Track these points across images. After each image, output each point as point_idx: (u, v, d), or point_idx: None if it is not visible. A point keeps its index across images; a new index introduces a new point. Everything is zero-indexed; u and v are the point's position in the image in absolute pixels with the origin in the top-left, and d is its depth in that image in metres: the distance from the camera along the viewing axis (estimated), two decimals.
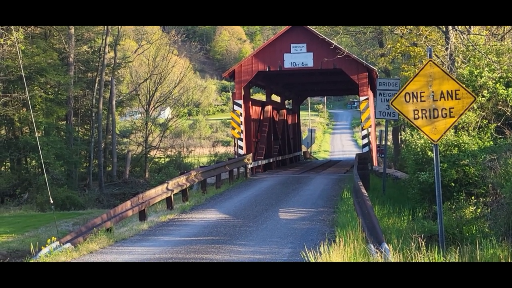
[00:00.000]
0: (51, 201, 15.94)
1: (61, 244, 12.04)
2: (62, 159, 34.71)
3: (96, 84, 40.05)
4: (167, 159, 48.24)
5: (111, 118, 42.22)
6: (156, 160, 48.41)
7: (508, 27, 23.11)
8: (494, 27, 23.21)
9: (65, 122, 39.55)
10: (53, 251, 11.70)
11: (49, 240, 12.16)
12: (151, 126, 48.13)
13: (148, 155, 47.00)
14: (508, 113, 16.87)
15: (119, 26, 44.40)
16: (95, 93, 40.24)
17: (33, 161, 35.50)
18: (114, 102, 42.12)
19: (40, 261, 11.12)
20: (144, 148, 46.82)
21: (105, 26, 40.57)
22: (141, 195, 15.92)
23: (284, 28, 30.04)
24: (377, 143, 42.54)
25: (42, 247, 11.91)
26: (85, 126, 43.03)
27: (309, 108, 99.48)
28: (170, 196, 17.64)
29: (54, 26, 37.94)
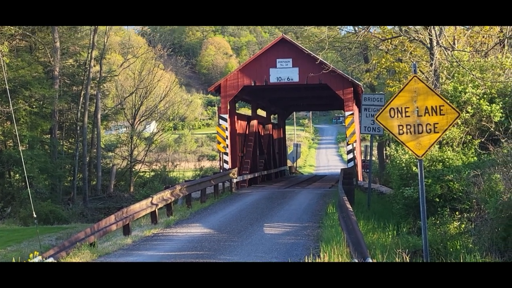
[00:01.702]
0: (34, 215, 15.77)
1: (44, 259, 11.90)
2: (46, 173, 34.46)
3: (81, 98, 39.89)
4: (152, 173, 48.08)
5: (96, 132, 42.03)
6: (141, 174, 48.22)
7: (491, 44, 23.35)
8: (478, 43, 23.45)
9: (49, 135, 39.31)
10: None
11: (31, 255, 12.01)
12: (136, 140, 47.98)
13: (133, 169, 46.80)
14: (492, 129, 16.98)
15: (105, 40, 44.34)
16: (80, 107, 40.07)
17: (17, 175, 35.19)
18: (99, 116, 41.96)
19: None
20: (129, 162, 46.62)
21: (91, 40, 40.50)
22: (126, 209, 15.81)
23: (270, 43, 30.13)
24: (362, 158, 42.65)
25: (24, 261, 11.76)
26: (70, 140, 42.78)
27: (295, 123, 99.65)
28: (155, 211, 17.54)
29: (39, 39, 37.84)
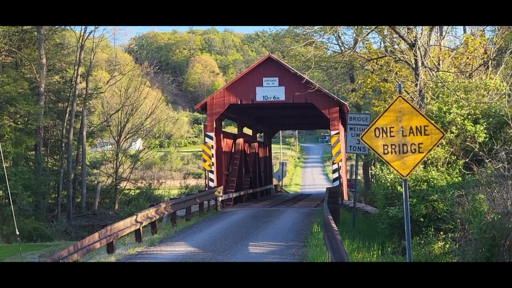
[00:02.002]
0: (17, 233, 15.64)
1: None
2: (30, 190, 34.23)
3: (67, 115, 39.77)
4: (137, 191, 47.89)
5: (81, 149, 41.86)
6: (126, 191, 48.01)
7: (476, 65, 23.58)
8: (463, 64, 23.66)
9: (34, 152, 39.11)
10: None
11: None
12: (121, 157, 47.84)
13: (118, 187, 46.60)
14: (476, 150, 17.09)
15: (92, 57, 44.30)
16: (65, 124, 39.94)
17: (0, 192, 34.95)
18: (84, 133, 41.83)
19: None
20: (114, 180, 46.44)
21: (77, 57, 40.45)
22: (110, 227, 15.70)
23: (256, 62, 30.24)
24: (348, 177, 42.76)
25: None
26: (55, 157, 42.57)
27: (281, 142, 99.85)
28: (139, 229, 17.44)
29: (25, 56, 37.76)
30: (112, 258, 14.82)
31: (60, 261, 12.90)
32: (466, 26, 28.67)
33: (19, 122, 36.72)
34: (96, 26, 40.96)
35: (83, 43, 40.94)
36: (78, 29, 42.07)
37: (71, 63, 42.55)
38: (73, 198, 39.89)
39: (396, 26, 22.83)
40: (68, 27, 42.47)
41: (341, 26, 29.31)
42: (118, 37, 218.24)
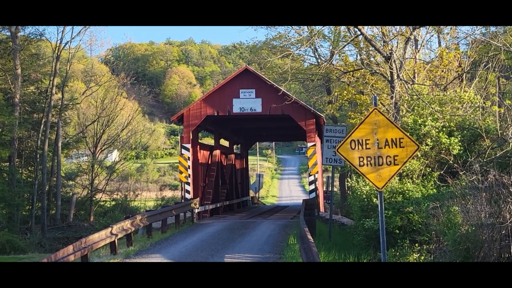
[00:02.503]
0: None
1: None
2: (3, 202, 33.80)
3: (42, 126, 39.41)
4: (113, 203, 47.49)
5: (56, 160, 41.46)
6: (102, 203, 47.60)
7: (450, 78, 23.84)
8: (438, 77, 23.92)
9: (8, 163, 38.64)
10: None
11: None
12: (97, 169, 47.45)
13: (94, 198, 46.19)
14: (451, 162, 17.24)
15: (68, 67, 44.01)
16: (40, 135, 39.55)
17: None
18: (60, 144, 41.46)
19: None
20: (89, 191, 46.04)
21: (53, 67, 40.16)
22: (84, 239, 15.55)
23: (233, 73, 30.26)
24: (324, 189, 42.87)
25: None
26: (29, 168, 42.09)
27: (258, 153, 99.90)
28: (114, 241, 17.29)
29: (0, 66, 37.40)
30: None
31: None
32: (441, 39, 29.03)
33: None
34: (72, 37, 40.76)
35: (59, 53, 40.66)
36: (54, 39, 41.89)
37: (46, 74, 42.21)
38: (48, 210, 39.43)
39: (372, 39, 23.03)
40: (44, 38, 42.19)
41: (317, 38, 29.48)
42: (95, 48, 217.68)
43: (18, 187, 37.13)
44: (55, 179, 41.53)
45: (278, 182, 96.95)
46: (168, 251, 17.85)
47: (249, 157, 53.39)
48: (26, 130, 39.94)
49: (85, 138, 48.20)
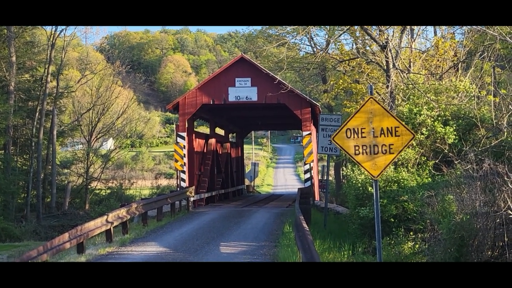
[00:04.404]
0: None
1: None
2: None
3: (37, 113, 39.32)
4: (108, 191, 47.52)
5: (51, 148, 41.41)
6: (97, 191, 47.62)
7: (446, 67, 23.86)
8: (433, 67, 23.93)
9: (3, 151, 38.58)
10: None
11: None
12: (92, 157, 47.40)
13: (89, 187, 46.20)
14: (446, 151, 17.28)
15: (63, 55, 43.88)
16: (35, 123, 39.47)
17: None
18: (55, 132, 41.39)
19: None
20: (85, 179, 46.02)
21: (48, 55, 40.03)
22: (80, 227, 15.57)
23: (229, 62, 30.22)
24: (319, 177, 42.96)
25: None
26: (24, 156, 42.03)
27: (253, 142, 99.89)
28: (110, 229, 17.32)
29: None
30: (82, 259, 14.70)
31: (29, 261, 12.76)
32: (437, 29, 29.03)
33: None
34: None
35: (54, 41, 40.50)
36: (49, 27, 41.64)
37: (41, 62, 42.07)
38: (43, 198, 39.43)
39: (368, 28, 23.02)
40: (39, 25, 41.98)
41: (313, 27, 29.45)
42: (90, 36, 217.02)
43: (13, 175, 37.09)
44: (50, 167, 41.50)
45: (273, 171, 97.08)
46: (163, 239, 17.89)
47: (245, 146, 53.45)
48: (21, 118, 39.85)
49: (80, 126, 48.12)
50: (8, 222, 31.72)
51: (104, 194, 46.99)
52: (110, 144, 58.86)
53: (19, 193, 38.49)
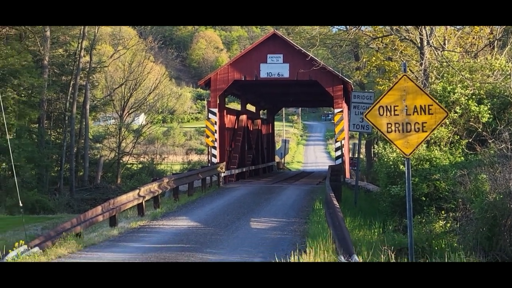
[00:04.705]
0: (20, 204, 15.71)
1: (29, 248, 11.87)
2: (33, 162, 34.33)
3: (70, 88, 39.76)
4: (140, 166, 48.00)
5: (84, 123, 41.89)
6: (129, 166, 48.12)
7: (481, 45, 23.48)
8: (468, 44, 23.57)
9: (37, 125, 39.16)
10: (21, 255, 11.53)
11: (16, 244, 11.96)
12: (124, 132, 47.85)
13: (121, 161, 46.69)
14: (479, 130, 17.10)
15: (96, 31, 44.17)
16: (69, 97, 39.93)
17: (3, 163, 35.02)
18: (88, 107, 41.84)
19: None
20: (117, 154, 46.51)
21: (81, 30, 40.33)
22: (112, 200, 15.79)
23: (261, 38, 30.09)
24: (350, 155, 42.80)
25: (10, 250, 11.71)
26: (58, 130, 42.63)
27: (284, 119, 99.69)
28: (142, 203, 17.52)
29: (29, 28, 37.64)
30: (114, 232, 14.92)
31: (64, 233, 12.99)
32: None
33: (22, 95, 36.70)
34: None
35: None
36: None
37: (75, 37, 42.42)
38: (76, 172, 40.00)
39: None
40: None
41: None
42: None
43: (47, 148, 37.68)
44: (83, 141, 42.02)
45: (304, 148, 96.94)
46: (194, 213, 18.06)
47: (275, 123, 53.36)
48: (54, 92, 40.35)
49: (112, 101, 48.54)
50: (42, 195, 32.30)
51: (135, 168, 47.48)
52: (141, 119, 59.25)
53: (53, 167, 39.10)
